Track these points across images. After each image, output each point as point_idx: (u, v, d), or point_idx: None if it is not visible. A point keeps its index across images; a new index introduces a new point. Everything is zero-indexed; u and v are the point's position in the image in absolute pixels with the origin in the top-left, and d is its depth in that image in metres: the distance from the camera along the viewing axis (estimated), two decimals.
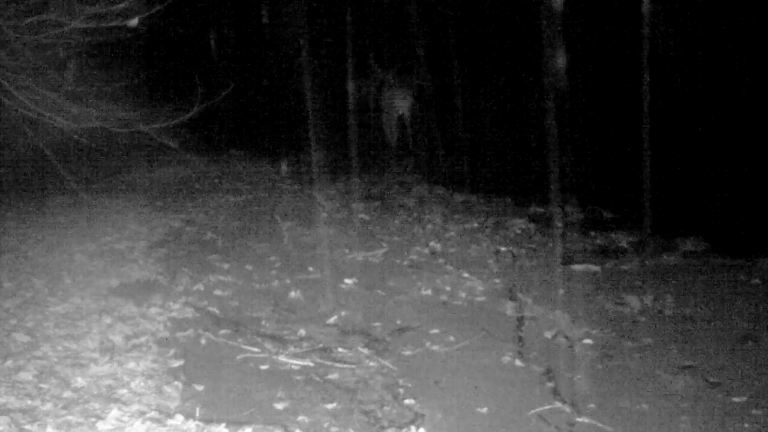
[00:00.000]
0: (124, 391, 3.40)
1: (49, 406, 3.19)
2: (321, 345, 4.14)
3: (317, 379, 3.71)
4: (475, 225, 7.38)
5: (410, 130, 10.37)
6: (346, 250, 6.32)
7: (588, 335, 4.42)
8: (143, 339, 4.07)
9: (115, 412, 3.11)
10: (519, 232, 7.21)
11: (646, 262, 6.10)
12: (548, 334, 4.43)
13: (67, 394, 3.33)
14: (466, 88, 11.10)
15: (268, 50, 12.98)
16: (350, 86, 10.48)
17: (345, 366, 3.86)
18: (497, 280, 5.52)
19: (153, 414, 3.14)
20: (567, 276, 5.73)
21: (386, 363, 3.93)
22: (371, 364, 3.92)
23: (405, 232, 7.06)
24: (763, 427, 3.30)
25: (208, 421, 3.14)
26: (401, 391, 3.61)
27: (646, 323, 4.69)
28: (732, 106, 8.46)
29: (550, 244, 6.75)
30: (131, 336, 4.11)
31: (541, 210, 8.15)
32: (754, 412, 3.44)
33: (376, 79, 10.38)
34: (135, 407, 3.21)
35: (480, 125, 11.38)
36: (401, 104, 10.03)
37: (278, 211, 7.83)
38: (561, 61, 9.45)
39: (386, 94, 10.19)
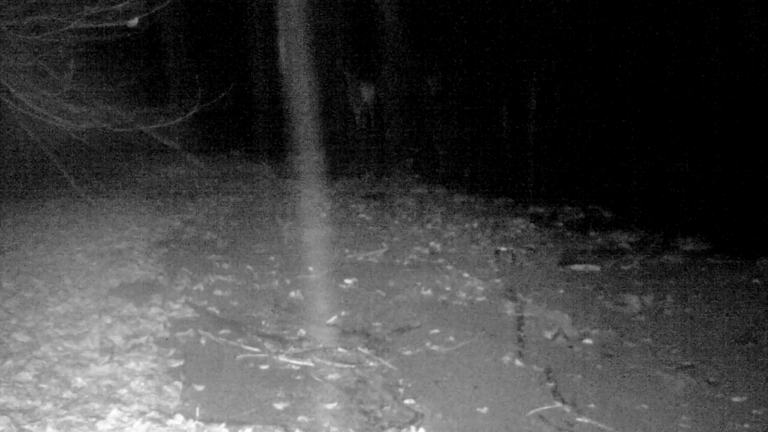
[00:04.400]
0: (124, 391, 3.40)
1: (49, 406, 3.19)
2: (321, 345, 4.14)
3: (317, 379, 3.71)
4: (475, 225, 7.38)
5: (373, 116, 12.94)
6: (346, 250, 6.32)
7: (588, 335, 4.42)
8: (143, 339, 4.07)
9: (115, 412, 3.11)
10: (519, 232, 7.21)
11: (646, 262, 6.10)
12: (548, 334, 4.43)
13: (67, 394, 3.33)
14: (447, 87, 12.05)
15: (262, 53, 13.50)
16: (336, 85, 12.49)
17: (345, 366, 3.86)
18: (497, 280, 5.52)
19: (153, 414, 3.14)
20: (567, 276, 5.73)
21: (386, 363, 3.93)
22: (371, 364, 3.92)
23: (405, 232, 7.06)
24: (763, 427, 3.30)
25: (208, 421, 3.14)
26: (401, 391, 3.61)
27: (646, 323, 4.69)
28: (732, 107, 8.46)
29: (550, 244, 6.75)
30: (131, 336, 4.11)
31: (541, 210, 8.16)
32: (754, 412, 3.44)
33: (348, 77, 12.85)
34: (135, 407, 3.21)
35: (455, 120, 11.93)
36: (366, 95, 12.58)
37: (278, 211, 7.83)
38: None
39: (355, 88, 12.70)
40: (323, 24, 12.51)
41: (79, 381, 3.47)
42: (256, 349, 4.03)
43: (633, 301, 4.99)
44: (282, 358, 3.92)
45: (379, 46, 12.53)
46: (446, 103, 12.41)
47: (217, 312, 4.68)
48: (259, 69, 13.58)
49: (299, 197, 8.79)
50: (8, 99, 4.98)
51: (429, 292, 5.23)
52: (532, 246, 6.65)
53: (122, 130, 5.47)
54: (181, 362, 3.81)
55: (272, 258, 6.01)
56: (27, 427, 2.97)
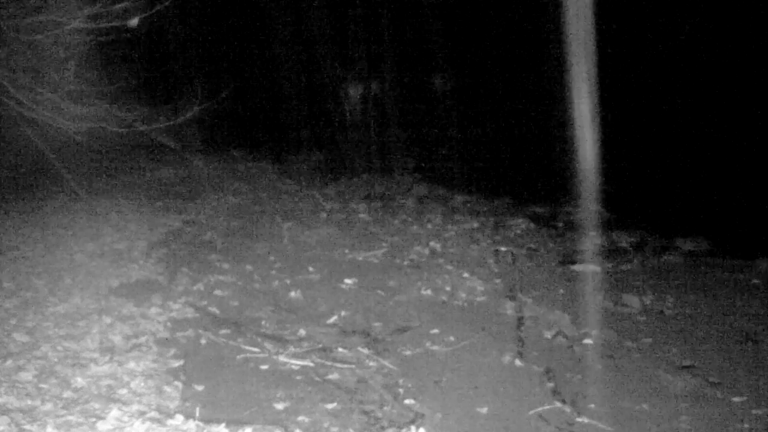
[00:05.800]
0: (124, 391, 3.40)
1: (49, 406, 3.19)
2: (321, 345, 4.14)
3: (317, 379, 3.71)
4: (475, 225, 7.38)
5: (367, 114, 14.21)
6: (346, 250, 6.32)
7: (588, 335, 4.42)
8: (143, 339, 4.07)
9: (115, 412, 3.11)
10: (519, 232, 7.21)
11: (646, 262, 6.10)
12: (548, 334, 4.43)
13: (67, 394, 3.33)
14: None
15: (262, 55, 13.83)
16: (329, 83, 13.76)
17: (345, 366, 3.86)
18: (497, 280, 5.52)
19: (153, 414, 3.14)
20: (567, 276, 5.73)
21: (386, 363, 3.93)
22: (371, 364, 3.92)
23: (405, 232, 7.06)
24: (763, 427, 3.30)
25: (208, 421, 3.14)
26: (401, 391, 3.61)
27: (646, 323, 4.69)
28: (732, 107, 8.47)
29: (550, 244, 6.75)
30: (131, 336, 4.12)
31: (541, 210, 8.16)
32: (754, 412, 3.44)
33: (340, 79, 13.91)
34: (135, 407, 3.22)
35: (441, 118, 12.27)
36: (353, 93, 13.99)
37: (278, 211, 7.83)
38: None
39: (344, 87, 13.84)
40: (318, 23, 12.84)
41: (79, 381, 3.47)
42: (256, 349, 4.03)
43: (633, 301, 4.99)
44: (282, 358, 3.92)
45: (379, 44, 12.64)
46: (452, 102, 12.45)
47: (217, 312, 4.68)
48: (258, 69, 13.65)
49: (299, 197, 8.79)
50: (8, 99, 4.99)
51: (429, 292, 5.23)
52: (532, 246, 6.65)
53: (122, 130, 5.48)
54: (181, 362, 3.81)
55: (272, 258, 6.01)
56: (27, 427, 2.97)
